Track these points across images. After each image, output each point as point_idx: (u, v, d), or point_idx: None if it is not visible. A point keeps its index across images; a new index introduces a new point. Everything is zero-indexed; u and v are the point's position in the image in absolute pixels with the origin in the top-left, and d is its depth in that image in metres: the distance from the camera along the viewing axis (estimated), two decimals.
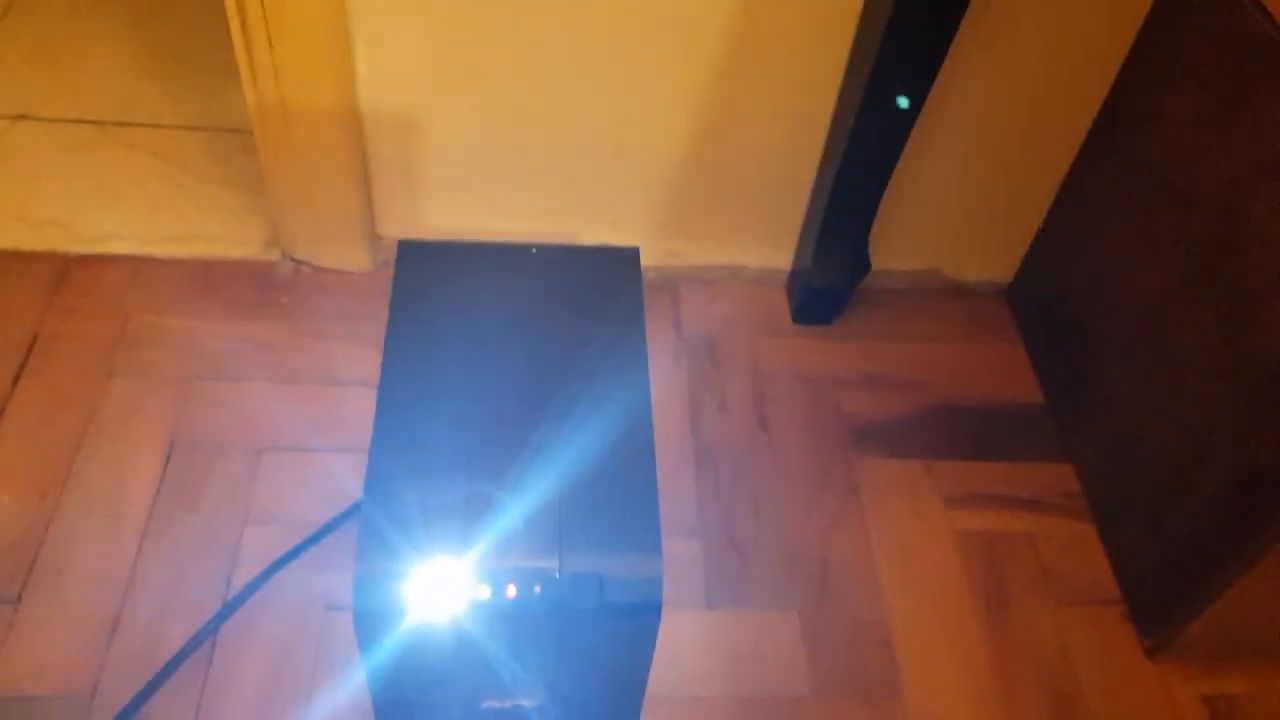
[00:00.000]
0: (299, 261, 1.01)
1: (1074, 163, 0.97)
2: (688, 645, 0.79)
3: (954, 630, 0.82)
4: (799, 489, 0.90)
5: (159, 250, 0.99)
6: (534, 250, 0.70)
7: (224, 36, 0.84)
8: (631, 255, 0.70)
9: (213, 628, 0.76)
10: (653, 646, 0.58)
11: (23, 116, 1.10)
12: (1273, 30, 0.72)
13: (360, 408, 0.90)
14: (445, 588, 0.53)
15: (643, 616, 0.56)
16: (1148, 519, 0.85)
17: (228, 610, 0.76)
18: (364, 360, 0.94)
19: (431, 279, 0.68)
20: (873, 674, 0.79)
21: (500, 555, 0.54)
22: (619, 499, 0.57)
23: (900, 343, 1.03)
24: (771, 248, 1.04)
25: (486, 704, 0.62)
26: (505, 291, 0.67)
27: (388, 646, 0.56)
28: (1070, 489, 0.93)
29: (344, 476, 0.86)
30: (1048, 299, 1.02)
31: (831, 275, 0.99)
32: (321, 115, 0.88)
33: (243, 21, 0.83)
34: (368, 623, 0.54)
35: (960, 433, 0.96)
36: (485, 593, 0.53)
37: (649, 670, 0.61)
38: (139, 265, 0.99)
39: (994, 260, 1.07)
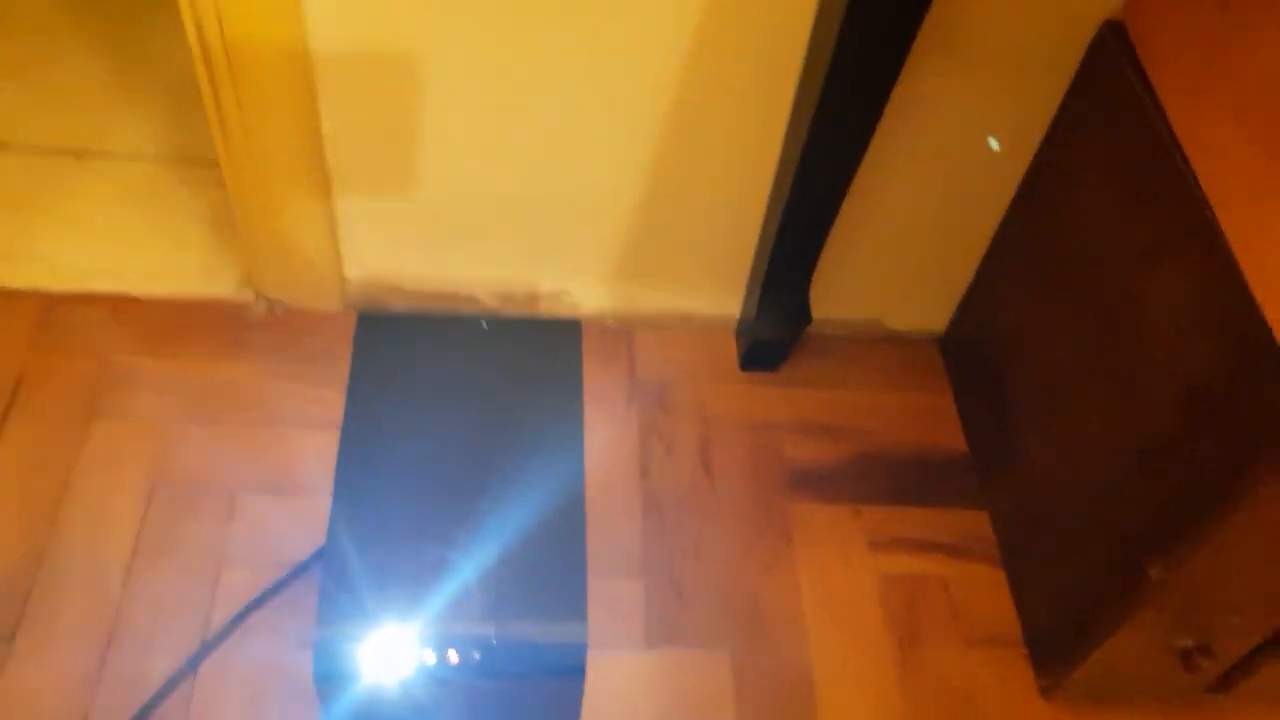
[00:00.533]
0: (272, 301, 1.06)
1: (1001, 224, 1.04)
2: (626, 687, 0.87)
3: (869, 672, 0.91)
4: (737, 532, 0.98)
5: (137, 289, 1.04)
6: (485, 325, 0.77)
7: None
8: (574, 328, 0.77)
9: (192, 666, 0.82)
10: (579, 703, 0.66)
11: (2, 145, 1.14)
12: (1166, 132, 0.78)
13: (330, 450, 0.96)
14: (394, 653, 0.61)
15: (568, 678, 0.64)
16: (1047, 567, 0.93)
17: (206, 650, 0.83)
18: (334, 404, 0.99)
19: (388, 351, 0.75)
20: (793, 710, 0.88)
21: (443, 623, 0.62)
22: (551, 571, 0.65)
23: (840, 390, 1.10)
24: (721, 295, 1.10)
25: None
26: (457, 365, 0.75)
27: (345, 704, 0.64)
28: (985, 535, 1.01)
29: (316, 517, 0.92)
30: (974, 353, 1.10)
31: (774, 326, 1.06)
32: (289, 163, 0.93)
33: (211, 81, 0.87)
34: (327, 683, 0.62)
35: (889, 478, 1.04)
36: (430, 658, 0.61)
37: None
38: (118, 304, 1.04)
39: (929, 311, 1.14)
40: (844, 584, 0.96)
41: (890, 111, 0.89)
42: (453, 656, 0.62)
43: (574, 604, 0.64)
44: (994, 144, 0.84)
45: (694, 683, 0.88)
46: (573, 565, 0.66)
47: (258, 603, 0.86)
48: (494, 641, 0.62)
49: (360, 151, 0.94)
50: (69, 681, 0.81)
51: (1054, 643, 0.92)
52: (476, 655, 0.61)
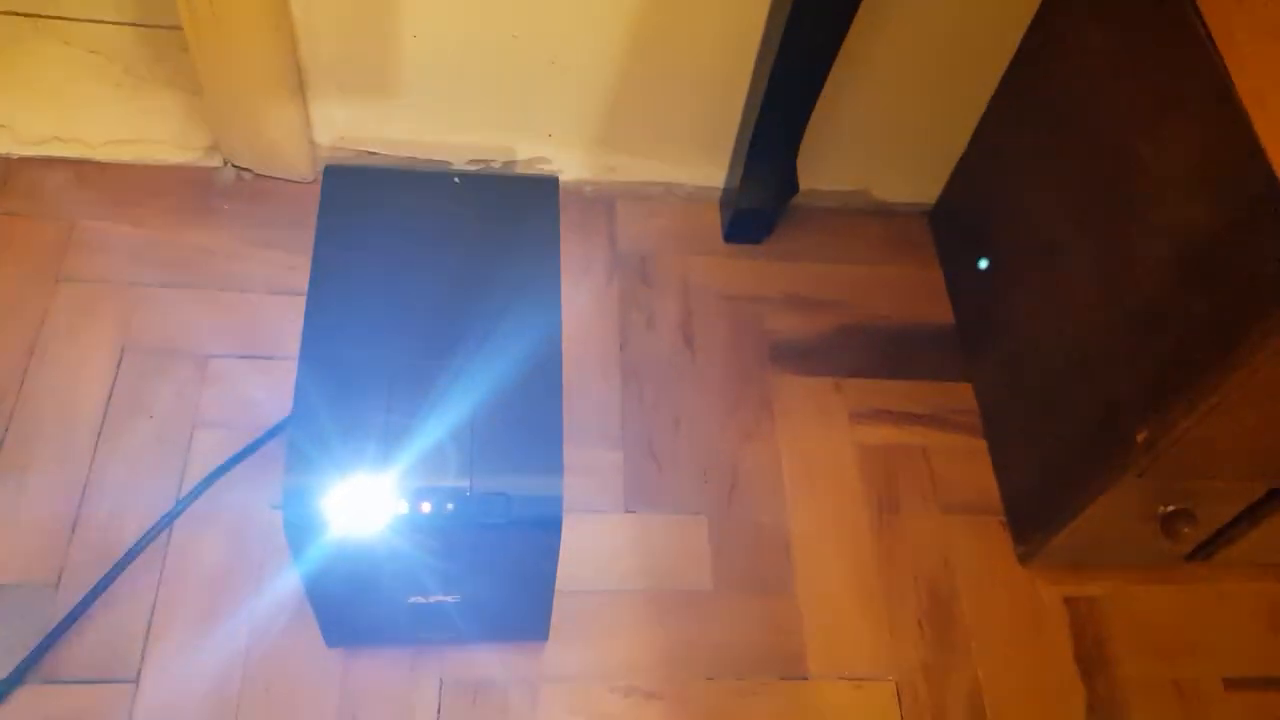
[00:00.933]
0: (240, 169, 1.03)
1: (997, 88, 1.00)
2: (605, 546, 0.87)
3: (846, 536, 0.91)
4: (717, 404, 0.97)
5: (101, 154, 1.01)
6: (456, 179, 0.74)
7: None
8: (550, 184, 0.74)
9: (167, 523, 0.82)
10: (555, 556, 0.66)
11: None
12: None
13: (300, 316, 0.95)
14: (367, 502, 0.60)
15: (545, 530, 0.63)
16: (1029, 436, 0.93)
17: (180, 507, 0.83)
18: (304, 272, 0.97)
19: (356, 203, 0.72)
20: (769, 573, 0.88)
21: (417, 474, 0.61)
22: (527, 421, 0.64)
23: (825, 263, 1.08)
24: (706, 165, 1.07)
25: (411, 600, 0.70)
26: (428, 217, 0.72)
27: (316, 553, 0.63)
28: (968, 407, 1.00)
29: (287, 382, 0.90)
30: (964, 223, 1.07)
31: (759, 196, 1.03)
32: (253, 18, 0.89)
33: None
34: (298, 532, 0.60)
35: (872, 352, 1.02)
36: (403, 508, 0.60)
37: (555, 575, 0.69)
38: (81, 168, 1.01)
39: (919, 183, 1.11)
40: (823, 453, 0.95)
41: None
42: (425, 507, 0.60)
43: (550, 457, 0.63)
44: None
45: (671, 543, 0.88)
46: (550, 420, 0.64)
47: (233, 461, 0.85)
48: (469, 494, 0.60)
49: (330, 11, 0.90)
50: (41, 539, 0.81)
51: (1033, 510, 0.92)
52: (450, 506, 0.60)
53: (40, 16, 1.10)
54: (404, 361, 0.65)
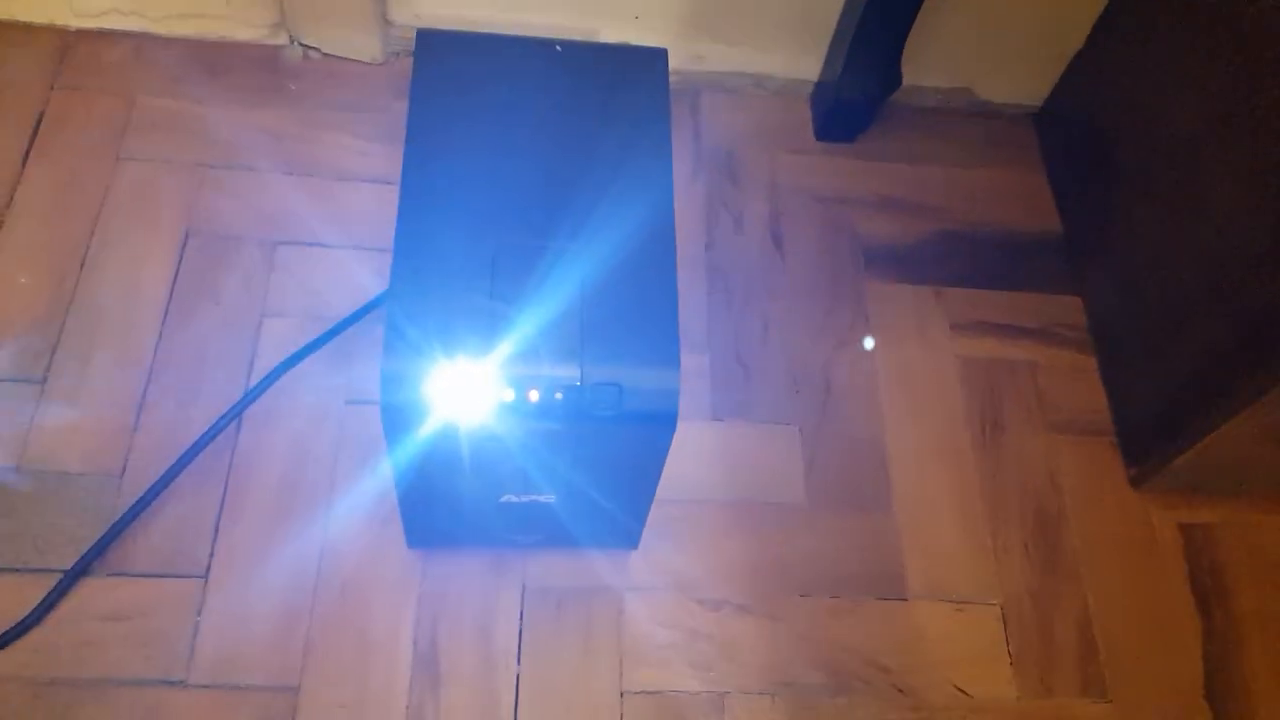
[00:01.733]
0: (307, 46, 0.97)
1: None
2: (691, 454, 0.82)
3: (947, 452, 0.86)
4: (808, 310, 0.91)
5: (162, 28, 0.95)
6: (558, 47, 0.67)
7: None
8: (659, 56, 0.68)
9: (236, 414, 0.78)
10: (665, 455, 0.61)
11: None
12: None
13: (371, 204, 0.90)
14: (470, 389, 0.55)
15: (658, 426, 0.58)
16: (1150, 353, 0.86)
17: (251, 396, 0.78)
18: (376, 156, 0.92)
19: (452, 72, 0.65)
20: (865, 488, 0.83)
21: (524, 361, 0.55)
22: (639, 309, 0.58)
23: (922, 165, 1.01)
24: (800, 56, 1.00)
25: (503, 498, 0.65)
26: (528, 88, 0.65)
27: (413, 441, 0.58)
28: (1077, 322, 0.94)
29: (358, 272, 0.86)
30: (1077, 127, 0.99)
31: (861, 86, 0.95)
32: None
33: None
34: (395, 418, 0.56)
35: (973, 260, 0.96)
36: (509, 395, 0.55)
37: (659, 475, 0.64)
38: (141, 43, 0.95)
39: (1027, 82, 1.03)
40: (922, 364, 0.89)
41: None
42: (533, 395, 0.55)
43: (666, 347, 0.57)
44: None
45: (762, 454, 0.83)
46: (663, 308, 0.58)
47: (305, 351, 0.80)
48: (579, 383, 0.55)
49: None
50: (106, 427, 0.77)
51: (1150, 432, 0.86)
52: (559, 395, 0.55)
53: None
54: (507, 241, 0.59)
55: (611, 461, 0.62)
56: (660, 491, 0.77)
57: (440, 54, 0.65)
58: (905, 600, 0.79)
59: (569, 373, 0.55)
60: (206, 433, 0.76)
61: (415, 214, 0.59)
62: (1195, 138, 0.82)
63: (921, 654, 0.77)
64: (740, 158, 0.99)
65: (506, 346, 0.55)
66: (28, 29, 0.94)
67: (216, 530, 0.75)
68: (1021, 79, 1.03)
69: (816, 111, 1.01)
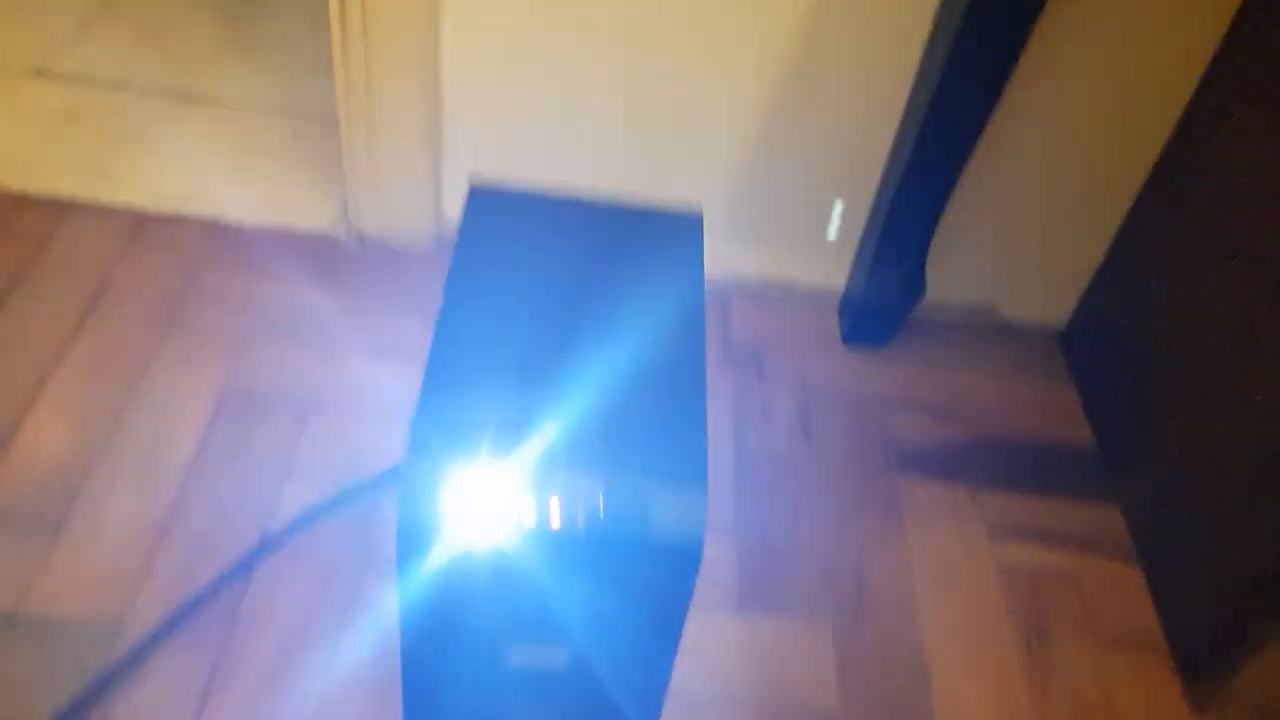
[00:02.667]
0: (365, 237, 1.03)
1: (1135, 203, 0.96)
2: (715, 649, 0.78)
3: (991, 662, 0.80)
4: (839, 501, 0.89)
5: (232, 215, 1.02)
6: (602, 206, 0.71)
7: (313, 31, 0.87)
8: (695, 220, 0.70)
9: (245, 567, 0.76)
10: (690, 594, 0.57)
11: (121, 86, 1.15)
12: None
13: (410, 381, 0.91)
14: (489, 508, 0.53)
15: (683, 559, 0.56)
16: (1197, 564, 0.82)
17: (263, 547, 0.76)
18: (418, 336, 0.95)
19: (498, 221, 0.68)
20: (904, 696, 0.77)
21: (546, 480, 0.54)
22: (666, 436, 0.57)
23: (950, 372, 1.02)
24: (828, 265, 1.04)
25: (515, 657, 0.61)
26: (569, 241, 0.68)
27: (426, 564, 0.55)
28: (1118, 531, 0.90)
29: (384, 446, 0.86)
30: (1104, 341, 1.01)
31: (886, 291, 0.99)
32: (404, 99, 0.91)
33: (342, 11, 0.86)
34: (409, 536, 0.54)
35: (1008, 465, 0.94)
36: (529, 517, 0.53)
37: (684, 623, 0.60)
38: (211, 227, 1.01)
39: (1050, 300, 1.06)
40: (961, 569, 0.86)
41: (1027, 57, 0.84)
42: (554, 515, 0.53)
43: (694, 476, 0.56)
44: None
45: (792, 653, 0.78)
46: (692, 432, 0.57)
47: (319, 512, 0.79)
48: (602, 503, 0.54)
49: (476, 90, 0.92)
50: (110, 577, 0.75)
51: (1205, 647, 0.80)
52: (581, 513, 0.53)
53: (197, 99, 1.14)
54: (538, 380, 0.59)
55: (633, 597, 0.58)
56: (677, 685, 0.72)
57: (489, 207, 0.69)
58: None
59: (592, 493, 0.54)
60: (208, 586, 0.73)
61: (449, 350, 0.60)
62: (1220, 353, 0.82)
63: None
64: (768, 358, 1.00)
65: (529, 464, 0.54)
66: (108, 209, 1.01)
67: (205, 699, 0.70)
68: (1044, 297, 1.06)
69: (844, 318, 1.04)
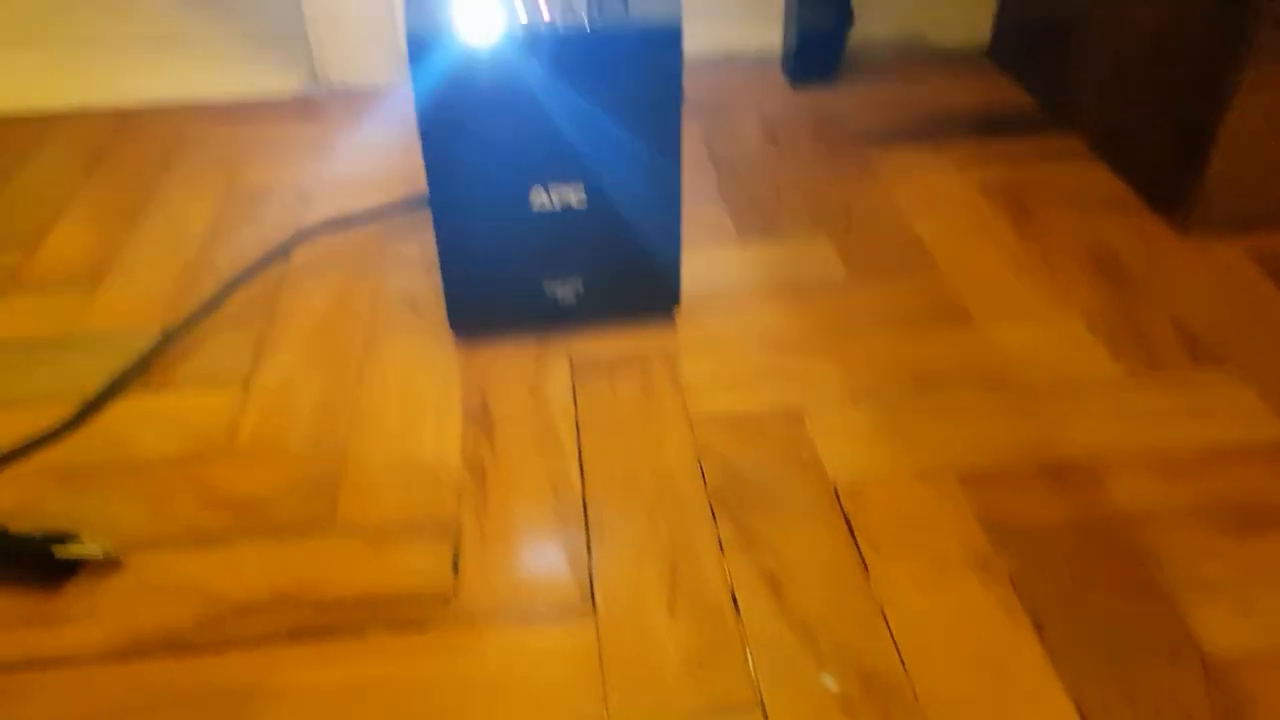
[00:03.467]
0: (335, 83, 1.11)
1: None
2: (719, 269, 0.81)
3: (982, 233, 0.85)
4: (815, 172, 0.94)
5: (209, 97, 1.10)
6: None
7: None
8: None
9: (283, 250, 0.80)
10: (679, 66, 0.63)
11: (83, 41, 1.24)
12: None
13: (401, 170, 0.97)
14: (485, 13, 0.60)
15: (665, 44, 0.62)
16: (1139, 122, 0.88)
17: (298, 237, 0.81)
18: (399, 133, 1.02)
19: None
20: (908, 261, 0.81)
21: None
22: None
23: (895, 87, 1.10)
24: (764, 27, 1.13)
25: (536, 202, 0.66)
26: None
27: (437, 70, 0.61)
28: (1075, 146, 0.97)
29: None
30: (1025, 31, 1.09)
31: (819, 19, 1.07)
32: None
33: None
34: (419, 48, 0.59)
35: (964, 129, 1.01)
36: (523, 15, 0.60)
37: (680, 120, 0.65)
38: (192, 108, 1.09)
39: (970, 21, 1.15)
40: (940, 189, 0.91)
41: None
42: (545, 11, 0.60)
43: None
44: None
45: (796, 256, 0.82)
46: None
47: (346, 221, 0.84)
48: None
49: None
50: (150, 304, 0.78)
51: (1170, 177, 0.85)
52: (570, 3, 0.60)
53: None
54: None
55: (628, 98, 0.63)
56: (690, 281, 0.76)
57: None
58: (974, 327, 0.74)
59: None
60: (241, 273, 0.77)
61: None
62: None
63: (1008, 358, 0.71)
64: (726, 106, 1.08)
65: None
66: (92, 112, 1.08)
67: (258, 352, 0.73)
68: (964, 18, 1.15)
69: (787, 64, 1.12)
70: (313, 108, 1.08)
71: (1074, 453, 0.62)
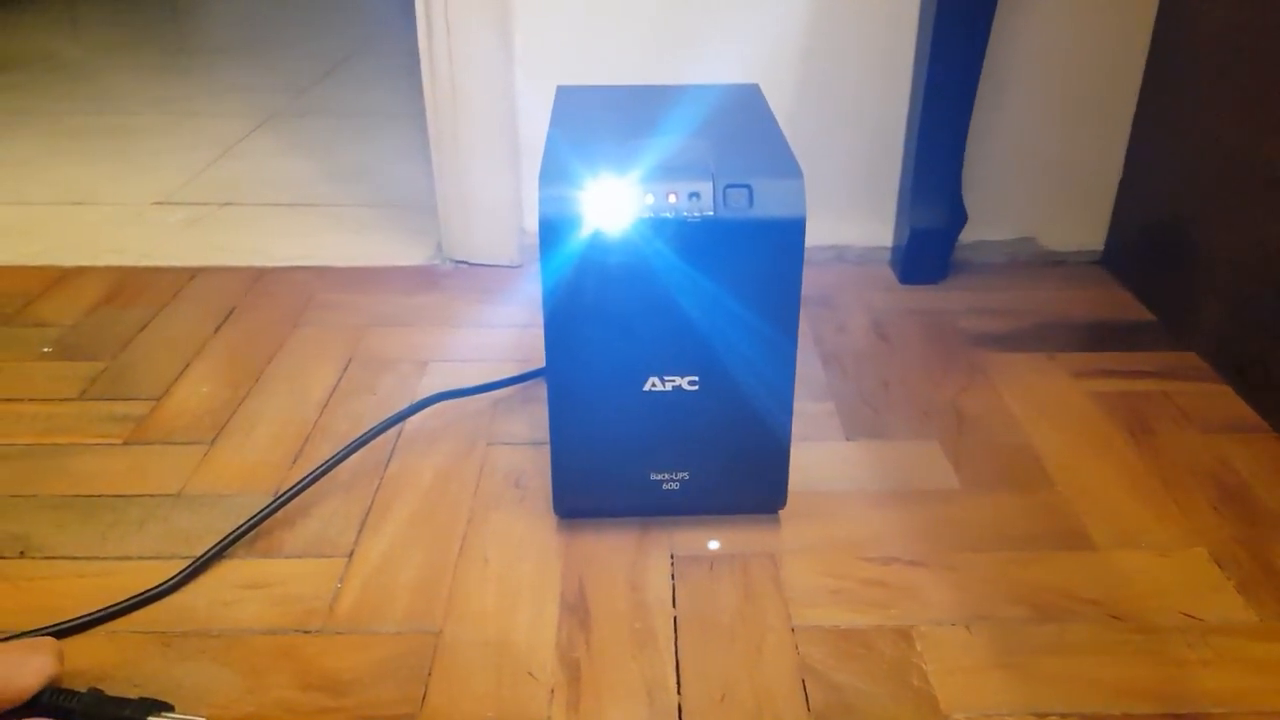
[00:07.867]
0: (458, 261, 1.16)
1: (1137, 108, 1.08)
2: (827, 465, 0.80)
3: (1101, 447, 0.82)
4: (924, 371, 0.94)
5: (339, 263, 1.16)
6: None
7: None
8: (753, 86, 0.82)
9: (389, 425, 0.82)
10: (800, 259, 0.64)
11: (229, 204, 1.34)
12: None
13: (516, 340, 1.00)
14: (616, 200, 0.62)
15: (789, 229, 0.63)
16: (1267, 344, 0.86)
17: (410, 410, 0.83)
18: (516, 311, 1.06)
19: (583, 98, 0.80)
20: (1022, 476, 0.79)
21: (663, 176, 0.63)
22: (757, 143, 0.67)
23: (1006, 290, 1.10)
24: (873, 224, 1.15)
25: (649, 384, 0.67)
26: (651, 101, 0.80)
27: (566, 255, 0.63)
28: (1196, 365, 0.94)
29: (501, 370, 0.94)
30: (1143, 242, 1.09)
31: (931, 218, 1.09)
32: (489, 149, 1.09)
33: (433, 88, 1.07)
34: (551, 230, 0.62)
35: (1078, 338, 1.00)
36: (649, 200, 0.62)
37: (799, 291, 0.66)
38: (322, 270, 1.15)
39: (1084, 224, 1.15)
40: (1053, 397, 0.89)
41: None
42: (672, 198, 0.63)
43: (787, 162, 0.65)
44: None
45: (905, 459, 0.81)
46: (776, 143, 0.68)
47: (463, 392, 0.87)
48: (714, 185, 0.63)
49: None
50: (265, 464, 0.81)
51: None
52: (697, 195, 0.63)
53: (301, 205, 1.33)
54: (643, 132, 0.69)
55: (750, 270, 0.65)
56: (796, 477, 0.76)
57: (574, 97, 0.82)
58: (1093, 552, 0.71)
59: (704, 184, 0.63)
60: (353, 443, 0.79)
61: (561, 128, 0.71)
62: (1252, 190, 0.91)
63: (1129, 590, 0.67)
64: (835, 299, 1.09)
65: (648, 166, 0.64)
66: (230, 269, 1.15)
67: (364, 520, 0.74)
68: (1078, 222, 1.15)
69: (897, 261, 1.14)
70: (437, 279, 1.13)
71: (1203, 706, 0.58)
